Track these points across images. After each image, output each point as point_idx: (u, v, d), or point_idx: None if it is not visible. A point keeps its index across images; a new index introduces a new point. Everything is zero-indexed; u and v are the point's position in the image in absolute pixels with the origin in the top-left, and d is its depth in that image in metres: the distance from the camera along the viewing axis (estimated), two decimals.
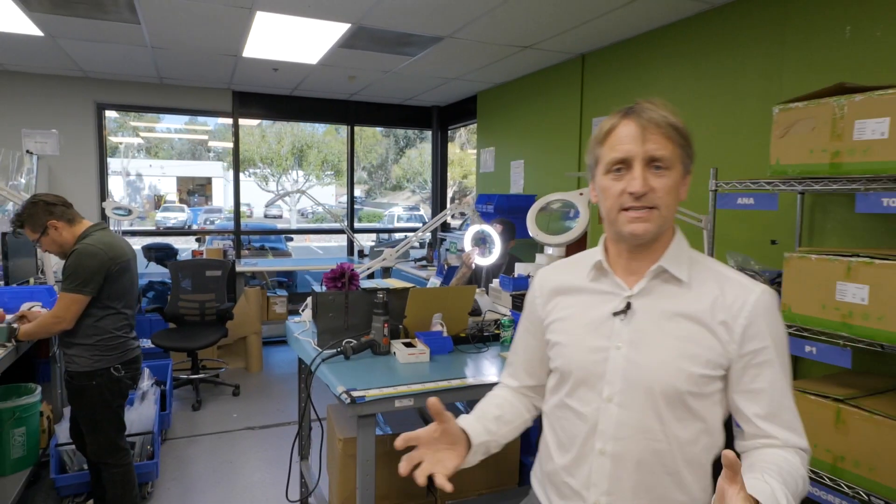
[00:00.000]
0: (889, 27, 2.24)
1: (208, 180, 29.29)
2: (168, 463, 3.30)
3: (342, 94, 5.76)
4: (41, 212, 2.31)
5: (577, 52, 3.97)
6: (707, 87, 3.04)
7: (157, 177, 27.77)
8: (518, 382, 1.29)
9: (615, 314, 1.08)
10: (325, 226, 20.33)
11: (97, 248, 2.31)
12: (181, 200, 27.47)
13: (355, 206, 6.62)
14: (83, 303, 2.30)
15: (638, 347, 1.05)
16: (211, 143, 27.52)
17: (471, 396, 1.95)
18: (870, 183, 1.77)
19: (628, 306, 1.08)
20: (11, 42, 3.96)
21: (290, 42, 3.82)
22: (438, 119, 6.39)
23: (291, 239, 12.38)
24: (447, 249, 5.03)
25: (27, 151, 4.96)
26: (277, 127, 24.39)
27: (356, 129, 6.32)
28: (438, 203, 6.60)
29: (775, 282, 2.23)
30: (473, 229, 3.17)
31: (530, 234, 2.38)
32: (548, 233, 2.35)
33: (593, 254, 1.16)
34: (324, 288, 2.48)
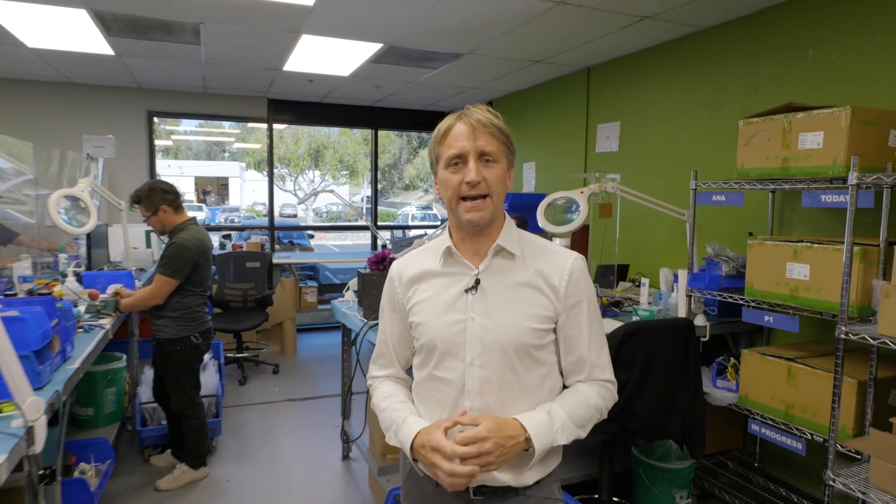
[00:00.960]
0: (843, 51, 2.67)
1: (226, 180, 29.98)
2: (225, 425, 3.81)
3: (367, 101, 6.25)
4: (157, 196, 2.83)
5: (584, 66, 4.42)
6: (693, 98, 3.49)
7: (176, 177, 28.54)
8: (394, 369, 1.38)
9: (467, 290, 1.23)
10: (349, 224, 20.88)
11: (192, 243, 2.82)
12: (199, 200, 28.17)
13: (368, 206, 7.07)
14: (174, 285, 2.81)
15: (489, 315, 1.21)
16: (236, 145, 28.18)
17: None
18: (811, 183, 2.22)
19: (477, 282, 1.23)
20: (84, 60, 4.49)
21: (326, 58, 4.31)
22: None
23: (312, 236, 12.91)
24: None
25: (87, 155, 5.51)
26: (295, 128, 25.00)
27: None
28: None
29: (741, 269, 2.68)
30: None
31: (540, 226, 2.85)
32: (554, 224, 2.81)
33: (442, 242, 1.30)
34: (367, 270, 2.96)
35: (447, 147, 1.20)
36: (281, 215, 24.94)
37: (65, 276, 3.27)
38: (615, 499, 2.68)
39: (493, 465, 1.12)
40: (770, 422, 2.38)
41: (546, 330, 1.23)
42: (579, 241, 3.55)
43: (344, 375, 3.35)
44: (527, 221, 4.02)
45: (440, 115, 5.16)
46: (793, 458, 2.83)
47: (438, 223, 15.04)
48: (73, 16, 3.41)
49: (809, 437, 2.23)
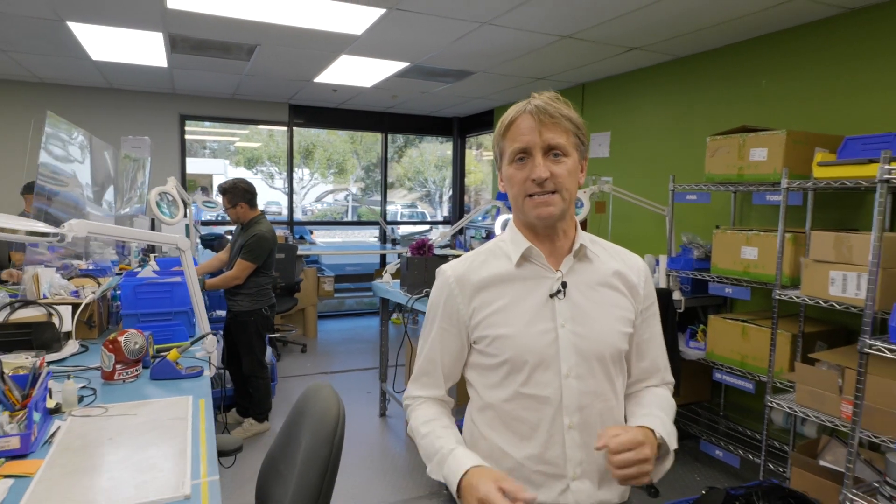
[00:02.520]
0: (785, 81, 3.39)
1: (209, 177, 30.20)
2: (276, 390, 4.43)
3: (379, 107, 6.88)
4: (240, 193, 3.44)
5: (580, 82, 5.12)
6: (673, 115, 4.20)
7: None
8: (439, 391, 1.24)
9: (552, 295, 1.13)
10: (362, 220, 21.50)
11: (269, 234, 3.45)
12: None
13: (353, 204, 7.62)
14: (253, 269, 3.43)
15: (580, 321, 1.12)
16: (237, 144, 28.55)
17: None
18: (759, 186, 2.92)
19: (564, 285, 1.13)
20: (135, 70, 5.05)
21: (355, 73, 4.94)
22: (459, 128, 7.53)
23: (312, 232, 13.46)
24: (472, 236, 6.15)
25: (125, 156, 6.06)
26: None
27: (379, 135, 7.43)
28: (459, 199, 7.74)
29: (709, 253, 3.39)
30: (503, 218, 4.31)
31: None
32: None
33: (507, 243, 1.20)
34: (409, 254, 3.61)
35: (510, 141, 1.12)
36: (266, 213, 25.34)
37: (146, 261, 3.86)
38: None
39: (646, 477, 1.02)
40: (729, 370, 3.09)
41: (630, 334, 1.17)
42: None
43: (382, 345, 3.99)
44: None
45: (445, 120, 6.09)
46: (749, 406, 3.55)
47: (428, 220, 15.54)
48: (149, 37, 3.99)
49: (757, 378, 2.94)
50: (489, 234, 6.30)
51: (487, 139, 8.03)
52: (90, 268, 2.90)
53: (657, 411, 1.15)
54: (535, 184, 1.09)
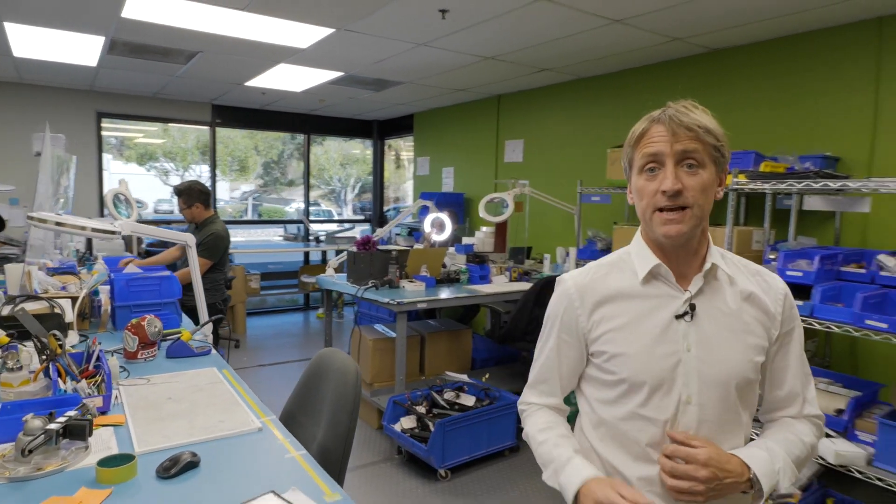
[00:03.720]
0: (680, 97, 4.14)
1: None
2: None
3: (304, 110, 7.12)
4: (196, 194, 3.64)
5: (496, 94, 5.70)
6: (579, 127, 4.88)
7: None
8: (555, 399, 1.23)
9: (678, 317, 1.07)
10: (275, 219, 20.99)
11: (224, 233, 3.69)
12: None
13: (254, 203, 7.71)
14: (209, 265, 3.66)
15: (707, 347, 1.06)
16: (136, 140, 26.82)
17: (441, 304, 3.61)
18: (620, 190, 3.61)
19: (692, 307, 1.07)
20: (58, 68, 4.99)
21: (288, 79, 5.20)
22: (378, 131, 7.91)
23: None
24: (397, 234, 6.57)
25: (36, 153, 5.87)
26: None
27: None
28: (380, 199, 8.13)
29: (610, 245, 4.07)
30: (432, 216, 4.79)
31: (481, 216, 4.05)
32: (491, 216, 4.03)
33: (633, 256, 1.14)
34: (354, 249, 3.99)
35: (641, 149, 1.07)
36: (156, 211, 24.16)
37: (89, 261, 3.95)
38: None
39: (698, 496, 1.00)
40: None
41: (762, 363, 1.10)
42: (501, 230, 4.81)
43: (327, 334, 4.33)
44: (457, 215, 5.22)
45: (366, 123, 6.65)
46: None
47: (334, 218, 15.60)
48: (88, 39, 4.05)
49: None
50: (411, 231, 6.75)
51: (395, 141, 8.47)
52: (57, 266, 3.03)
53: (772, 444, 1.08)
54: (666, 196, 1.02)
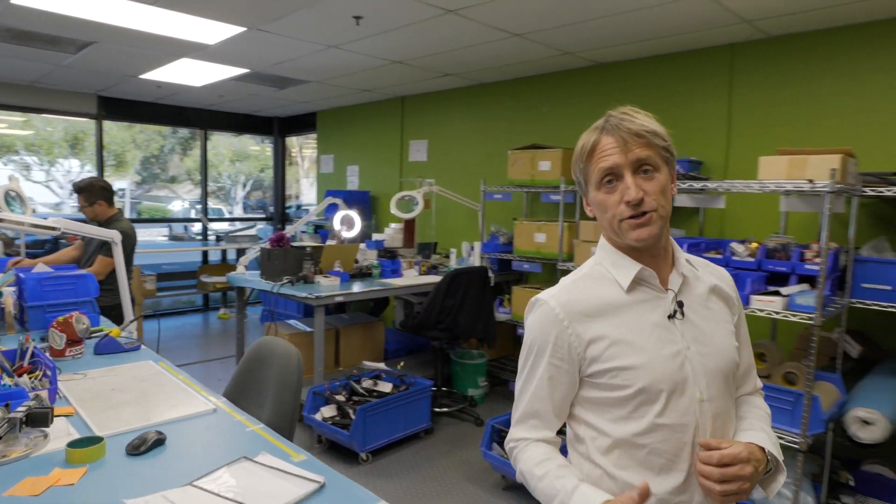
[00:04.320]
0: (559, 106, 4.56)
1: None
2: None
3: (201, 105, 6.90)
4: (98, 191, 3.49)
5: (400, 95, 5.90)
6: (480, 129, 5.21)
7: None
8: (549, 433, 1.16)
9: (670, 317, 1.09)
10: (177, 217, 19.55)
11: (130, 232, 3.57)
12: None
13: (132, 200, 7.34)
14: (114, 265, 3.54)
15: (701, 340, 1.09)
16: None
17: (358, 297, 3.77)
18: (545, 188, 3.99)
19: (680, 305, 1.10)
20: None
21: (189, 73, 5.07)
22: (279, 128, 7.83)
23: None
24: (303, 231, 6.57)
25: None
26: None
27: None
28: (281, 197, 8.04)
29: (511, 239, 4.42)
30: (341, 213, 4.90)
31: (392, 213, 4.24)
32: (403, 213, 4.23)
33: (610, 267, 1.13)
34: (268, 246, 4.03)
35: (596, 163, 1.07)
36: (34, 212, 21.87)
37: None
38: (444, 388, 4.21)
39: (744, 495, 1.02)
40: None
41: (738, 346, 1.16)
42: (410, 226, 5.01)
43: (239, 331, 4.32)
44: (365, 212, 5.37)
45: (266, 120, 6.67)
46: None
47: (225, 216, 15.01)
48: None
49: None
50: (317, 229, 6.79)
51: (288, 139, 8.41)
52: None
53: (761, 424, 1.14)
54: (630, 206, 1.04)
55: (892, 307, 2.53)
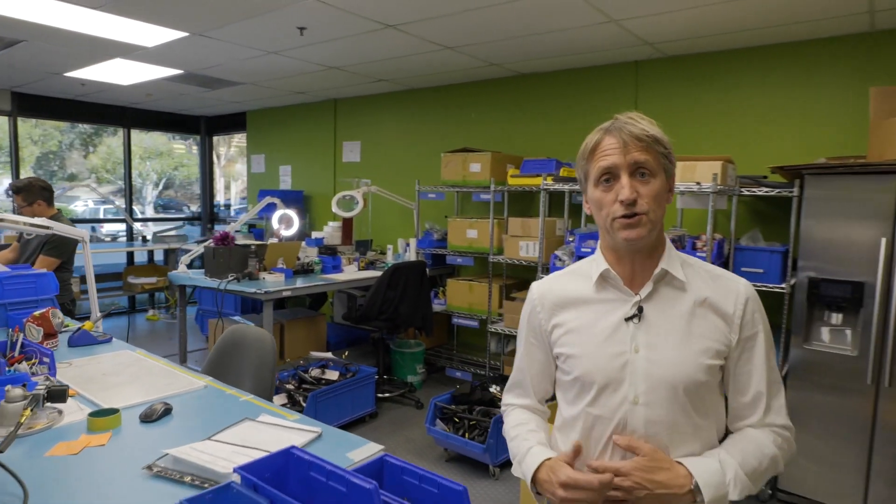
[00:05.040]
0: (490, 112, 4.95)
1: None
2: None
3: (124, 102, 6.75)
4: (37, 191, 3.48)
5: (332, 98, 6.09)
6: (413, 132, 5.51)
7: None
8: (530, 400, 1.30)
9: (627, 319, 1.12)
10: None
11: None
12: None
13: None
14: (57, 265, 3.56)
15: (655, 348, 1.10)
16: None
17: (306, 291, 4.00)
18: (476, 188, 4.36)
19: (640, 310, 1.13)
20: None
21: (120, 73, 5.03)
22: (206, 127, 7.77)
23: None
24: (238, 231, 6.59)
25: None
26: None
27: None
28: (208, 197, 7.98)
29: (446, 235, 4.76)
30: (280, 212, 5.05)
31: (334, 211, 4.46)
32: (344, 211, 4.46)
33: (591, 263, 1.21)
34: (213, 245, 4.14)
35: (596, 162, 1.13)
36: None
37: None
38: (385, 376, 4.49)
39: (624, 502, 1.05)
40: (461, 315, 4.49)
41: (718, 367, 1.13)
42: (348, 225, 5.24)
43: (181, 329, 4.39)
44: (301, 211, 5.53)
45: (192, 118, 6.76)
46: (473, 342, 5.07)
47: (181, 216, 14.44)
48: None
49: (480, 318, 4.40)
50: (250, 228, 6.84)
51: (215, 138, 8.38)
52: None
53: (726, 455, 1.09)
54: (623, 206, 1.08)
55: (765, 287, 3.07)
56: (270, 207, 5.11)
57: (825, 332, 2.86)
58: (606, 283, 1.18)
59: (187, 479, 1.24)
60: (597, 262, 1.20)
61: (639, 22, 3.32)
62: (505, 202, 4.54)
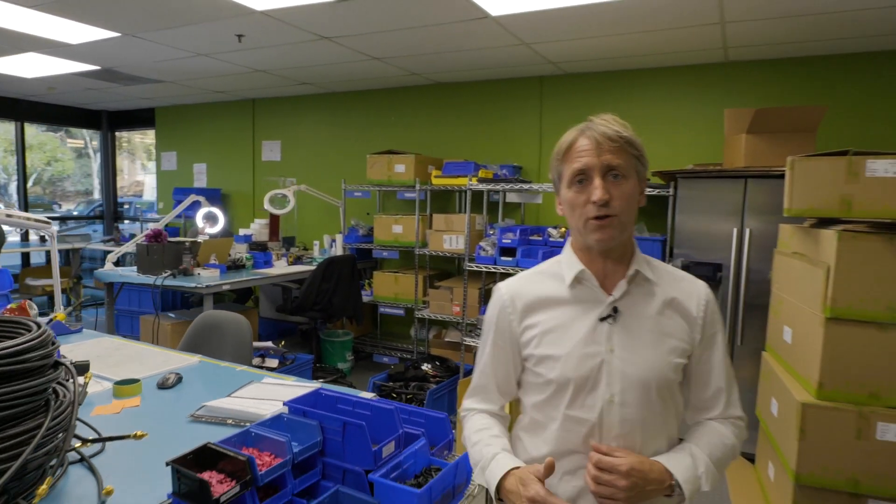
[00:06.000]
0: (414, 117, 5.34)
1: None
2: None
3: (20, 95, 6.39)
4: None
5: (251, 98, 6.20)
6: (337, 133, 5.77)
7: None
8: (494, 405, 1.29)
9: (602, 319, 1.14)
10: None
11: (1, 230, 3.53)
12: None
13: None
14: None
15: (630, 348, 1.13)
16: None
17: (244, 285, 4.19)
18: (401, 187, 4.74)
19: (615, 310, 1.15)
20: None
21: (27, 66, 4.86)
22: (108, 122, 7.50)
23: None
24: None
25: None
26: None
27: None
28: (111, 194, 7.70)
29: (371, 231, 5.10)
30: (204, 210, 5.14)
31: (266, 209, 4.65)
32: (275, 209, 4.66)
33: (562, 265, 1.22)
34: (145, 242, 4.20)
35: (569, 163, 1.14)
36: None
37: None
38: (318, 364, 4.75)
39: (624, 503, 1.05)
40: (386, 304, 4.86)
41: (683, 364, 1.17)
42: (275, 221, 5.40)
43: (109, 330, 4.39)
44: (223, 209, 5.62)
45: (92, 113, 6.74)
46: (397, 331, 5.45)
47: (83, 216, 13.41)
48: None
49: (406, 306, 4.79)
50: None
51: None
52: None
53: (696, 449, 1.14)
54: (596, 206, 1.09)
55: None
56: (194, 205, 5.18)
57: None
58: (580, 284, 1.19)
59: (229, 421, 1.54)
60: (569, 263, 1.21)
61: (546, 46, 3.86)
62: (428, 200, 4.96)
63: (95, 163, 13.50)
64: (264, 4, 3.18)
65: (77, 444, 1.36)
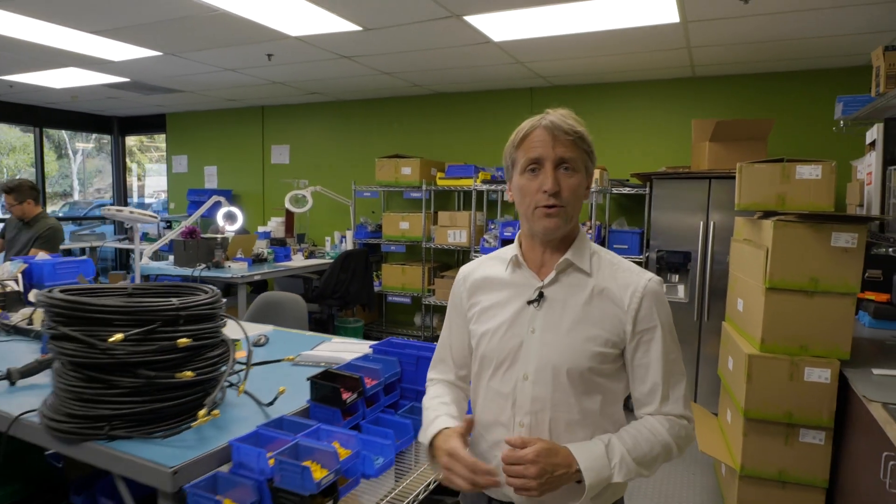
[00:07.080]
0: (418, 122, 5.86)
1: None
2: None
3: (42, 103, 6.76)
4: (27, 190, 3.83)
5: (260, 105, 6.66)
6: (340, 138, 6.27)
7: None
8: (452, 375, 1.37)
9: (529, 303, 1.21)
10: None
11: (60, 227, 3.99)
12: None
13: None
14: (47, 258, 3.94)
15: (549, 331, 1.18)
16: None
17: (272, 275, 4.68)
18: (408, 188, 5.26)
19: (541, 295, 1.20)
20: None
21: (62, 78, 5.27)
22: (119, 127, 7.89)
23: None
24: (165, 227, 6.90)
25: None
26: None
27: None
28: (122, 196, 8.09)
29: (378, 227, 5.61)
30: (224, 209, 5.60)
31: (287, 207, 5.15)
32: (296, 207, 5.16)
33: (510, 250, 1.29)
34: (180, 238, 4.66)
35: (524, 151, 1.18)
36: None
37: None
38: None
39: (532, 491, 1.06)
40: (394, 294, 5.38)
41: (608, 354, 1.18)
42: (290, 219, 5.89)
43: None
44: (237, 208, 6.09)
45: (104, 119, 7.28)
46: (402, 319, 5.97)
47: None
48: None
49: (412, 295, 5.31)
50: (169, 224, 7.16)
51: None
52: None
53: (615, 439, 1.15)
54: (546, 195, 1.14)
55: (630, 258, 4.28)
56: (215, 205, 5.64)
57: (668, 288, 4.15)
58: (519, 269, 1.26)
59: (322, 364, 2.06)
60: (513, 249, 1.28)
61: (538, 64, 4.42)
62: (432, 199, 5.50)
63: (75, 164, 13.71)
64: (298, 31, 3.69)
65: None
